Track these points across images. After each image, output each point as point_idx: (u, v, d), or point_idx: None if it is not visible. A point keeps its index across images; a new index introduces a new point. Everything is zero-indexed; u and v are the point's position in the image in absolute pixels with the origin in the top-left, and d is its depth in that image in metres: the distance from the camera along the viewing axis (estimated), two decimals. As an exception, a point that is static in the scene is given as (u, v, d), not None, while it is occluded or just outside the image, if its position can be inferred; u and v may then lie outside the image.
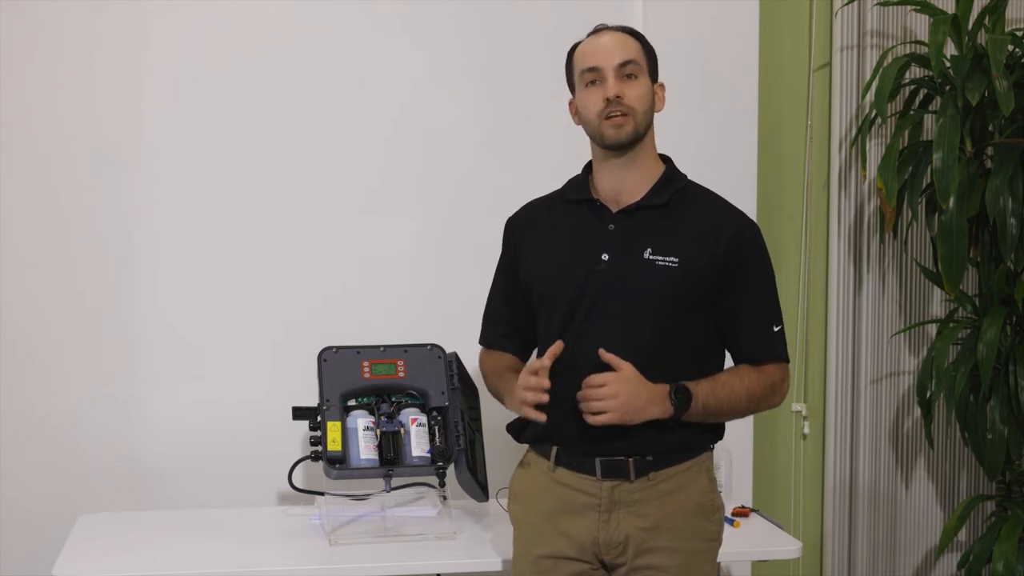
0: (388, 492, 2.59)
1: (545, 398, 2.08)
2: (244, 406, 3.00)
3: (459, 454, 2.60)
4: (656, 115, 2.22)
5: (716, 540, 2.22)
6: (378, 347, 2.68)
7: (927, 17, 3.12)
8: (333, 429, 2.54)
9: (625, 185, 2.19)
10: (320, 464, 2.55)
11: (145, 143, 2.98)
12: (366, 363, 2.65)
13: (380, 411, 2.60)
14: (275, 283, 3.03)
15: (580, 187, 2.25)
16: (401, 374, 2.66)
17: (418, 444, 2.57)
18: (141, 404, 3.00)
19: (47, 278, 2.96)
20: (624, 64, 2.13)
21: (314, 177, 3.03)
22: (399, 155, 3.07)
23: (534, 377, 2.09)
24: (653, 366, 2.10)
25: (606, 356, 2.08)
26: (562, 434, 2.17)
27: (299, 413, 2.63)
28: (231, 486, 2.99)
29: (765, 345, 2.19)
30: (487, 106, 3.09)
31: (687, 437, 2.16)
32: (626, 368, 2.07)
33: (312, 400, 2.63)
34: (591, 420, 2.08)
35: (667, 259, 2.13)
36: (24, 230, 2.94)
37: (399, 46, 3.05)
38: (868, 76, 3.22)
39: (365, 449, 2.54)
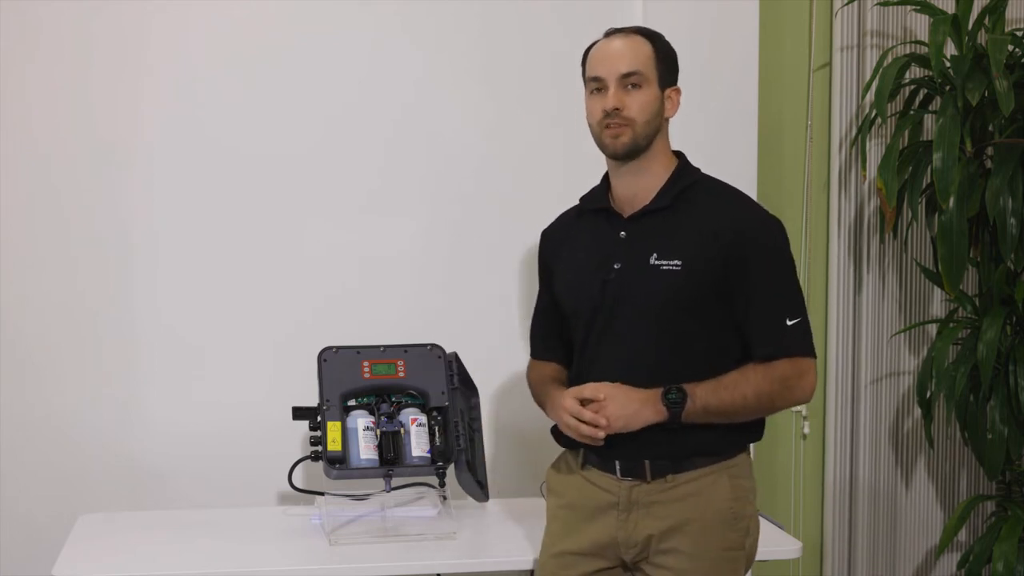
0: (388, 492, 2.59)
1: (600, 435, 2.12)
2: (244, 406, 3.00)
3: (459, 454, 2.60)
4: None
5: (740, 550, 2.18)
6: (378, 347, 2.68)
7: (927, 17, 3.12)
8: (333, 429, 2.54)
9: (636, 190, 2.19)
10: (320, 464, 2.54)
11: (145, 143, 2.97)
12: (366, 363, 2.65)
13: (380, 411, 2.60)
14: (275, 283, 3.03)
15: (597, 196, 2.26)
16: (401, 374, 2.66)
17: (418, 444, 2.57)
18: (141, 404, 3.00)
19: (47, 278, 2.96)
20: (627, 75, 2.13)
21: (314, 177, 3.03)
22: (399, 155, 3.07)
23: (576, 406, 2.12)
24: (666, 373, 2.10)
25: (585, 392, 2.13)
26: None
27: (299, 413, 2.62)
28: (231, 486, 2.98)
29: (771, 341, 2.13)
30: (487, 106, 3.08)
31: (707, 439, 2.13)
32: (606, 387, 2.11)
33: (312, 400, 2.63)
34: (591, 442, 2.12)
35: (671, 263, 2.12)
36: (24, 230, 2.94)
37: (399, 46, 3.05)
38: (868, 76, 3.22)
39: (365, 449, 2.53)
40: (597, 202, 2.25)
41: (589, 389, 2.12)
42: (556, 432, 2.29)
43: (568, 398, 2.13)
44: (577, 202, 2.33)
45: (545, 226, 2.41)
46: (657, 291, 2.12)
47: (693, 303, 2.12)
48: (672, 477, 2.14)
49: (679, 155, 2.25)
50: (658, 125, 2.17)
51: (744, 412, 2.13)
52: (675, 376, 2.10)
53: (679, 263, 2.11)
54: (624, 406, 2.08)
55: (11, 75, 2.91)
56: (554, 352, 2.35)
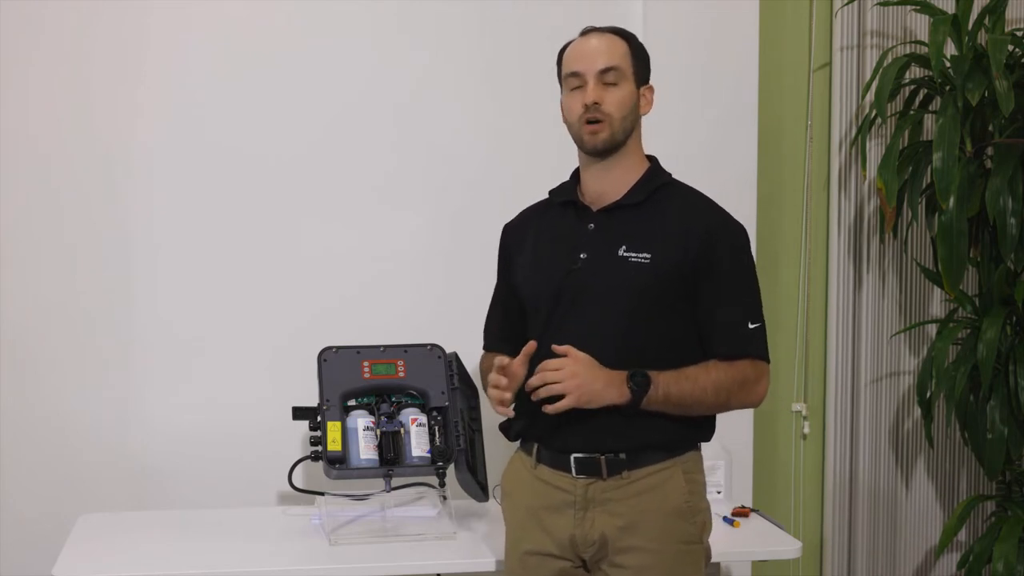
0: (388, 492, 2.59)
1: (507, 397, 2.11)
2: (244, 406, 3.00)
3: (459, 454, 2.60)
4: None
5: (698, 543, 2.19)
6: (378, 347, 2.68)
7: (927, 17, 3.12)
8: (333, 429, 2.54)
9: (607, 186, 2.21)
10: (320, 464, 2.55)
11: (145, 143, 2.98)
12: (366, 363, 2.65)
13: (380, 411, 2.60)
14: (275, 283, 3.03)
15: (566, 190, 2.28)
16: (401, 374, 2.66)
17: (418, 444, 2.57)
18: (141, 404, 3.00)
19: (47, 278, 2.96)
20: (605, 71, 2.15)
21: (314, 177, 3.03)
22: (399, 156, 3.07)
23: (496, 376, 2.13)
24: (629, 363, 2.11)
25: (559, 348, 2.09)
26: (540, 431, 2.20)
27: (299, 413, 2.62)
28: (231, 486, 2.99)
29: (735, 341, 2.16)
30: (487, 106, 3.09)
31: (663, 433, 2.15)
32: (580, 354, 2.08)
33: (312, 400, 2.63)
34: (547, 409, 2.08)
35: (640, 256, 2.14)
36: (24, 230, 2.94)
37: (399, 46, 3.05)
38: (868, 76, 3.22)
39: (365, 449, 2.53)
40: (566, 195, 2.27)
41: (565, 348, 2.09)
42: (505, 427, 2.30)
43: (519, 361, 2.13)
44: (546, 196, 2.34)
45: None
46: (625, 282, 2.14)
47: (660, 296, 2.14)
48: (627, 473, 2.15)
49: (651, 158, 2.28)
50: (634, 122, 2.20)
51: (701, 406, 2.15)
52: (638, 366, 2.11)
53: (648, 256, 2.14)
54: (592, 380, 2.07)
55: (11, 75, 2.91)
56: (509, 344, 2.32)
